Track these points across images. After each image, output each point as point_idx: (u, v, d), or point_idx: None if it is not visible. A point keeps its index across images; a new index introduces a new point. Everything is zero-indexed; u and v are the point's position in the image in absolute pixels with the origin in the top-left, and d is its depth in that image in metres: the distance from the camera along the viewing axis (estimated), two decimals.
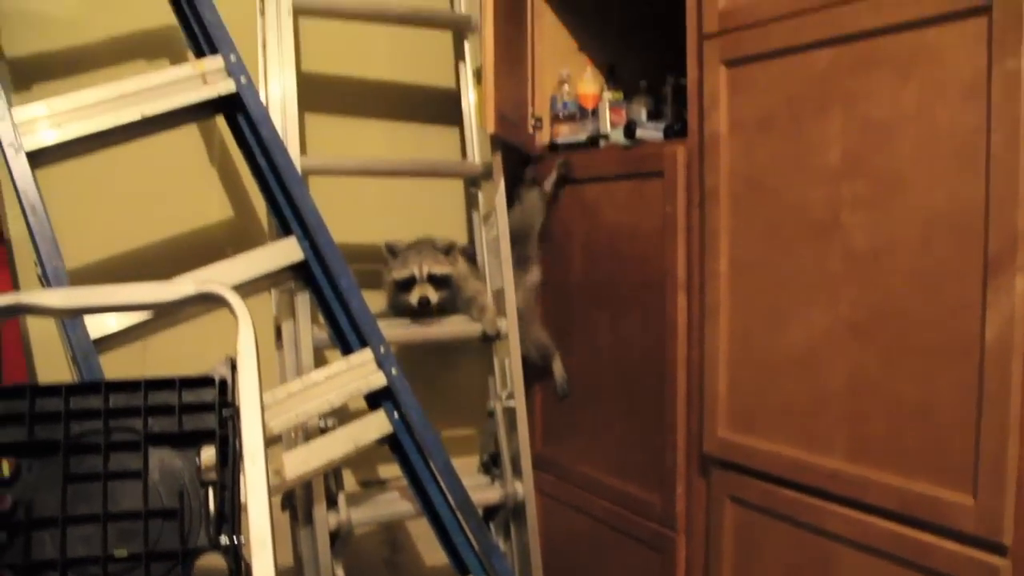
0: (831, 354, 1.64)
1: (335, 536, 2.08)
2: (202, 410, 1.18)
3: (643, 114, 2.31)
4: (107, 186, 2.21)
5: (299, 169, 1.99)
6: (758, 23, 1.74)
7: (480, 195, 2.50)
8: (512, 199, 2.43)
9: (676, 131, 2.03)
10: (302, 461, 1.81)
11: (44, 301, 1.21)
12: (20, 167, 1.64)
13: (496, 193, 2.37)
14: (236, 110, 1.89)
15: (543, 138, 2.47)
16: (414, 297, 2.24)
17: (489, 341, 2.37)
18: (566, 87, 2.41)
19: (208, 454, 1.18)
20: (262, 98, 2.04)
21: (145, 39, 2.25)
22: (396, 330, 2.24)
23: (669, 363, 2.01)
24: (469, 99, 2.56)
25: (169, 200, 2.30)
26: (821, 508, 1.66)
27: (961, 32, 1.38)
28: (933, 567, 1.46)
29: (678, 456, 2.00)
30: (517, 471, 2.37)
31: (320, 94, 2.48)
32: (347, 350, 1.94)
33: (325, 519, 2.05)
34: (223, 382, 1.19)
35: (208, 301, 1.23)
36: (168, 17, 1.96)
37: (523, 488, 2.36)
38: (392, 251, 2.30)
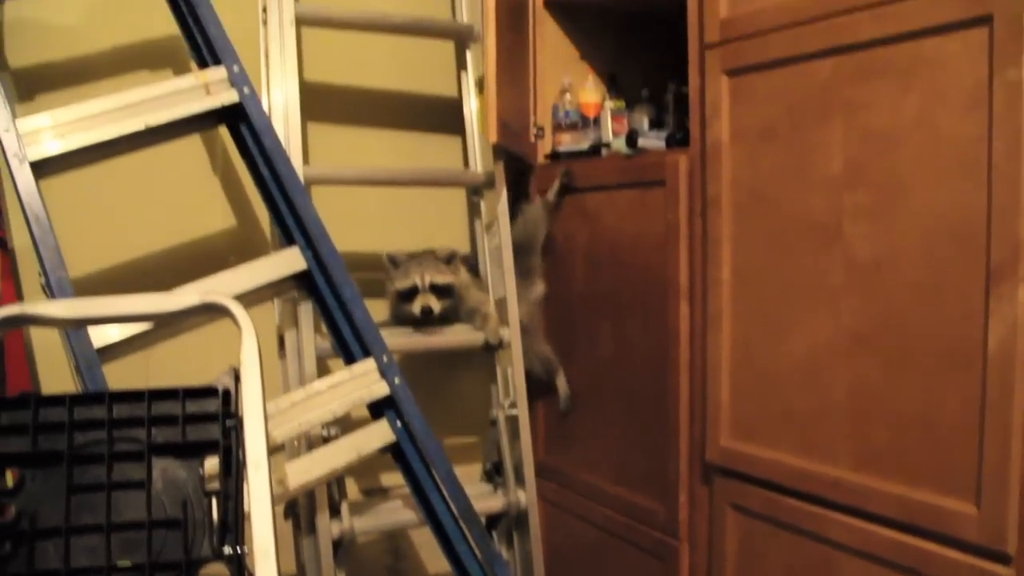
0: (833, 363, 1.64)
1: (338, 545, 2.08)
2: (206, 420, 1.18)
3: (645, 122, 2.31)
4: (110, 195, 2.22)
5: (302, 179, 1.99)
6: (759, 33, 1.74)
7: (482, 204, 2.51)
8: (515, 213, 2.43)
9: (678, 140, 2.03)
10: (305, 470, 1.81)
11: (48, 312, 1.21)
12: (24, 177, 1.64)
13: (498, 202, 2.38)
14: (239, 120, 1.90)
15: (545, 147, 2.47)
16: (416, 307, 2.24)
17: (491, 350, 2.37)
18: (568, 96, 2.41)
19: (211, 464, 1.18)
20: (265, 107, 2.05)
21: (148, 49, 2.25)
22: (399, 339, 2.25)
23: (671, 371, 2.01)
24: (471, 108, 2.57)
25: (172, 209, 2.31)
26: (824, 516, 1.66)
27: (962, 42, 1.38)
28: None
29: (681, 464, 2.00)
30: (520, 479, 2.37)
31: (322, 103, 2.49)
32: (350, 359, 1.94)
33: (328, 528, 2.05)
34: (226, 392, 1.19)
35: (211, 312, 1.23)
36: (171, 27, 1.96)
37: (526, 496, 2.36)
38: (394, 262, 2.30)
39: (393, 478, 2.40)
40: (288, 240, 1.94)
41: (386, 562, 2.61)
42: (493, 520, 2.40)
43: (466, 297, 2.34)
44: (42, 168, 1.69)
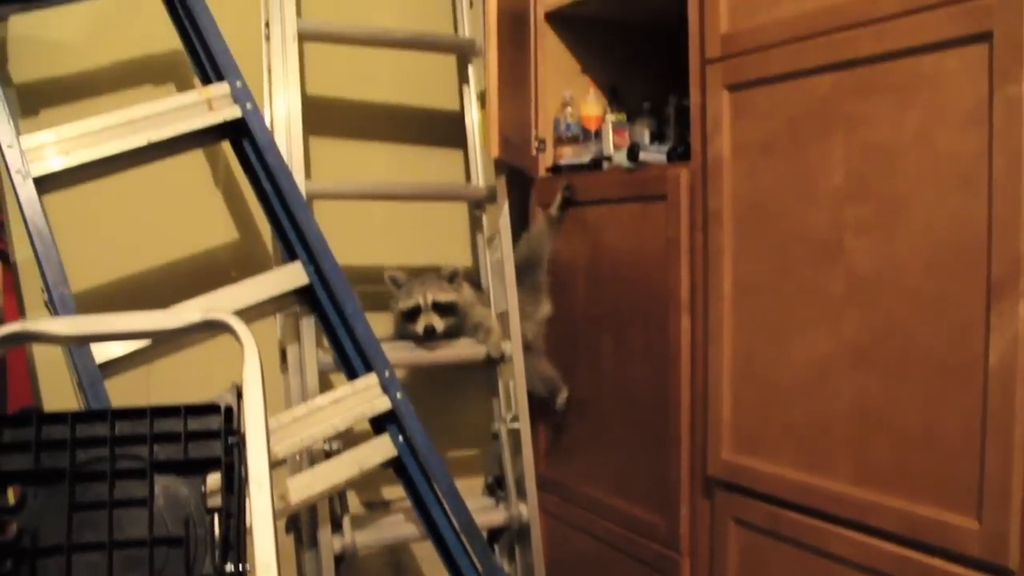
0: (835, 377, 1.64)
1: (340, 559, 2.07)
2: (208, 438, 1.18)
3: (646, 135, 2.31)
4: (113, 210, 2.22)
5: (304, 194, 2.00)
6: (760, 48, 1.75)
7: (484, 218, 2.51)
8: (518, 229, 2.43)
9: (679, 154, 2.04)
10: (306, 485, 1.82)
11: (49, 329, 1.21)
12: (27, 193, 1.65)
13: (500, 216, 2.38)
14: (242, 136, 1.90)
15: (546, 160, 2.47)
16: (419, 326, 2.25)
17: (493, 364, 2.37)
18: (569, 109, 2.42)
19: (213, 481, 1.18)
20: (267, 122, 2.05)
21: (151, 64, 2.26)
22: (401, 353, 2.25)
23: (673, 385, 2.01)
24: (473, 122, 2.57)
25: (174, 223, 2.31)
26: (826, 531, 1.66)
27: (962, 58, 1.39)
28: None
29: (682, 478, 2.00)
30: (521, 493, 2.37)
31: (325, 117, 2.50)
32: (352, 374, 1.94)
33: (330, 542, 2.05)
34: (228, 410, 1.18)
35: (214, 328, 1.23)
36: (174, 42, 1.97)
37: (527, 510, 2.36)
38: (396, 282, 2.31)
39: (395, 490, 2.39)
40: (290, 255, 1.94)
41: None
42: (495, 534, 2.40)
43: (470, 314, 2.34)
44: (45, 184, 1.69)
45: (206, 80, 1.92)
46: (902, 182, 1.50)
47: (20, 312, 2.09)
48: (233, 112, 1.86)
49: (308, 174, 2.28)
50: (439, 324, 2.26)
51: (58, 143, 1.71)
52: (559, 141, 2.44)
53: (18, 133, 1.67)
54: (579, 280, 2.34)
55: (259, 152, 1.89)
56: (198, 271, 2.33)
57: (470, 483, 2.54)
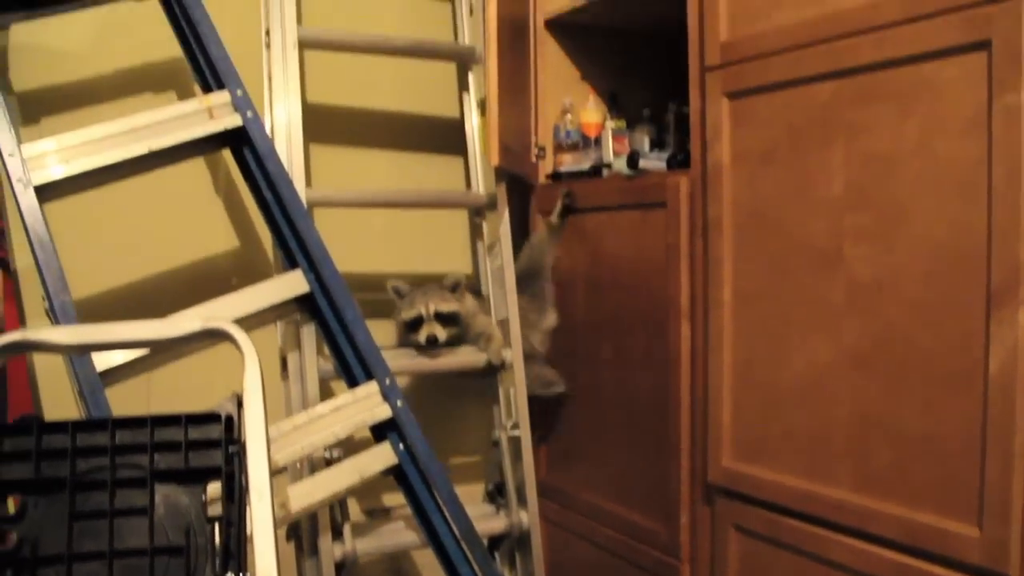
0: (835, 384, 1.64)
1: (340, 567, 2.07)
2: (208, 447, 1.18)
3: (646, 142, 2.32)
4: (113, 217, 2.23)
5: (304, 201, 2.00)
6: (760, 56, 1.75)
7: (484, 225, 2.51)
8: (518, 237, 2.43)
9: (679, 161, 2.04)
10: (307, 493, 1.81)
11: (50, 339, 1.21)
12: (28, 201, 1.65)
13: (500, 223, 2.38)
14: (242, 144, 1.91)
15: (546, 167, 2.48)
16: (422, 336, 2.25)
17: (494, 371, 2.37)
18: (569, 116, 2.42)
19: (214, 490, 1.18)
20: (267, 129, 2.06)
21: (152, 72, 2.27)
22: (402, 360, 2.25)
23: (673, 392, 2.01)
24: (473, 129, 2.58)
25: (175, 231, 2.32)
26: (826, 538, 1.66)
27: (961, 67, 1.39)
28: None
29: (682, 485, 2.00)
30: (522, 500, 2.36)
31: (325, 125, 2.50)
32: (352, 382, 1.94)
33: (331, 550, 2.05)
34: (229, 419, 1.19)
35: (214, 337, 1.23)
36: (175, 49, 1.98)
37: (528, 517, 2.35)
38: (398, 293, 2.31)
39: (395, 497, 2.40)
40: (291, 262, 1.94)
41: None
42: (495, 541, 2.40)
43: (472, 324, 2.34)
44: (46, 192, 1.69)
45: (207, 88, 1.92)
46: (902, 190, 1.50)
47: (20, 320, 2.09)
48: (234, 120, 1.86)
49: (308, 182, 2.28)
50: (441, 334, 2.26)
51: (59, 151, 1.71)
52: (559, 148, 2.44)
53: (19, 141, 1.68)
54: (579, 287, 2.35)
55: (260, 160, 1.89)
56: (199, 279, 2.33)
57: (471, 490, 2.55)
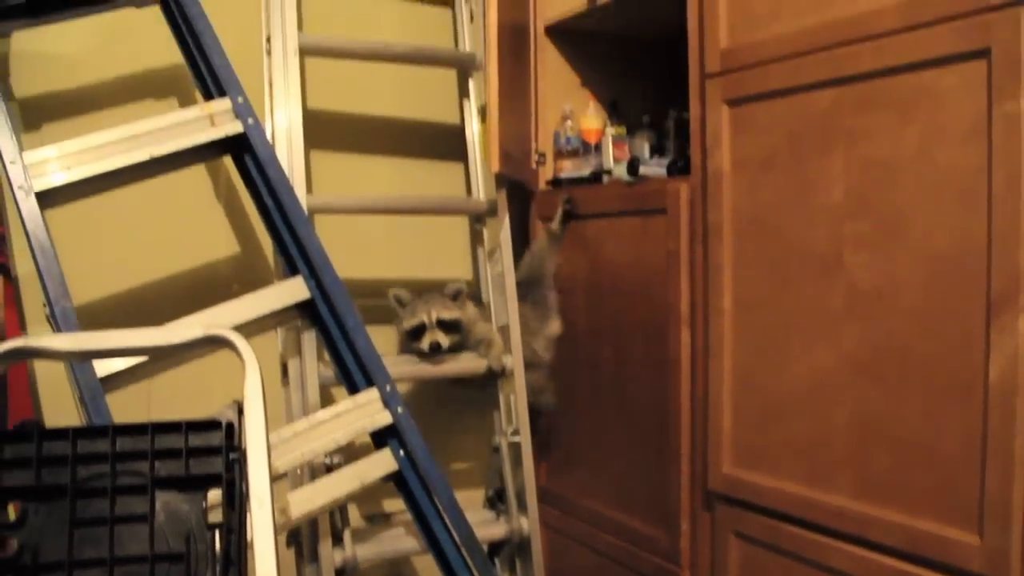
0: (835, 391, 1.64)
1: (341, 573, 2.07)
2: (209, 454, 1.18)
3: (646, 149, 2.32)
4: (114, 223, 2.23)
5: (305, 208, 2.00)
6: (760, 63, 1.76)
7: (485, 231, 2.51)
8: (519, 245, 2.43)
9: (679, 168, 2.04)
10: (307, 499, 1.82)
11: (50, 346, 1.22)
12: (29, 208, 1.66)
13: (501, 229, 2.39)
14: (243, 151, 1.91)
15: (546, 173, 2.48)
16: (424, 343, 2.25)
17: (495, 377, 2.37)
18: (569, 122, 2.42)
19: (215, 496, 1.18)
20: (268, 136, 2.06)
21: (154, 79, 2.27)
22: (403, 367, 2.25)
23: (673, 398, 2.01)
24: (473, 135, 2.58)
25: (176, 237, 2.32)
26: (826, 545, 1.66)
27: (961, 75, 1.40)
28: None
29: (682, 491, 2.00)
30: (522, 506, 2.36)
31: (326, 131, 2.50)
32: (353, 388, 1.94)
33: (331, 556, 2.05)
34: (230, 426, 1.19)
35: (215, 344, 1.24)
36: (176, 56, 1.98)
37: (528, 523, 2.35)
38: (400, 301, 2.31)
39: (396, 503, 2.39)
40: (291, 269, 1.94)
41: None
42: (496, 547, 2.39)
43: (473, 331, 2.35)
44: (47, 198, 1.70)
45: (208, 95, 1.93)
46: (902, 197, 1.50)
47: (21, 326, 2.10)
48: (235, 127, 1.86)
49: (309, 188, 2.28)
50: (444, 341, 2.26)
51: (60, 158, 1.71)
52: (559, 154, 2.45)
53: (21, 148, 1.68)
54: (579, 293, 2.35)
55: (260, 167, 1.89)
56: (200, 285, 2.33)
57: (471, 496, 2.54)
